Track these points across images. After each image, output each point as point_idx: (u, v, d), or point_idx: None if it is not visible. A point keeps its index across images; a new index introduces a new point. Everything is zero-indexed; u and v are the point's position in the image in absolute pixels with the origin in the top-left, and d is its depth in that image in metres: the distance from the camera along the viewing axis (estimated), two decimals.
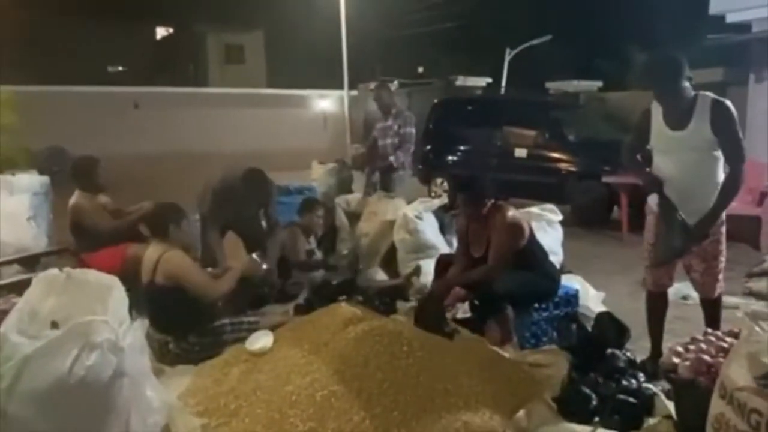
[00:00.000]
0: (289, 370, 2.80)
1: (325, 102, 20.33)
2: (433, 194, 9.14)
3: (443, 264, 3.82)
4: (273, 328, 3.29)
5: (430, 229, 4.90)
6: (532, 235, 3.60)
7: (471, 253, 3.62)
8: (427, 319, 3.39)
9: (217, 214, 4.32)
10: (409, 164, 5.92)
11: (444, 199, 5.26)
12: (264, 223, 4.45)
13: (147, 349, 2.50)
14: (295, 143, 16.10)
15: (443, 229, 5.05)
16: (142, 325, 2.36)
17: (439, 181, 9.66)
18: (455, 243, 4.94)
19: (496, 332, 3.41)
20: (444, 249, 4.80)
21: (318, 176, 6.14)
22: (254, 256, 3.59)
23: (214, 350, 3.24)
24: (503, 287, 3.33)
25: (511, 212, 3.48)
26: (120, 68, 27.64)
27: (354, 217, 5.39)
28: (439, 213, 5.09)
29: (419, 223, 4.84)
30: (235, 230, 4.58)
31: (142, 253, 3.47)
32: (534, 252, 3.58)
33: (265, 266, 3.52)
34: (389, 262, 4.95)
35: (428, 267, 4.42)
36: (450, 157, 9.74)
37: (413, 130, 5.87)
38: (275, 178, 4.67)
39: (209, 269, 3.71)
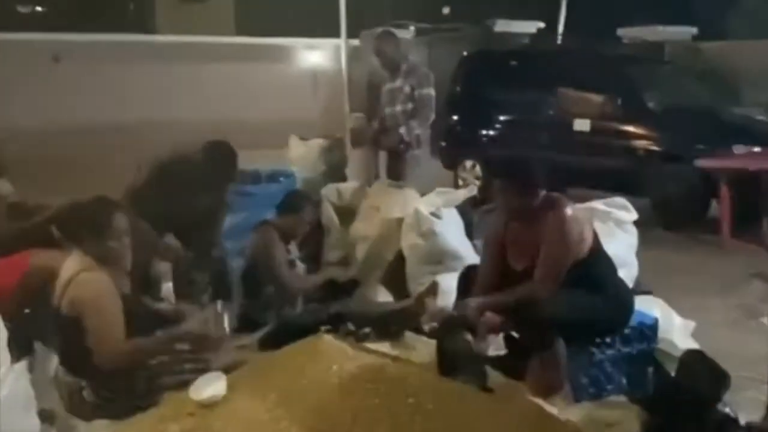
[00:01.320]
0: (248, 428, 2.79)
1: (315, 55, 20.19)
2: (461, 182, 9.08)
3: (473, 280, 3.79)
4: (227, 370, 3.23)
5: (452, 232, 4.91)
6: (597, 241, 3.59)
7: (510, 264, 3.61)
8: (452, 357, 3.37)
9: (158, 211, 4.27)
10: (427, 140, 5.88)
11: (473, 190, 5.18)
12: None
13: (34, 403, 2.42)
14: (273, 111, 15.91)
15: (470, 232, 5.07)
16: (26, 369, 2.27)
17: (468, 164, 9.58)
18: None
19: (540, 377, 3.41)
20: (472, 259, 4.75)
21: (298, 157, 6.13)
22: (218, 307, 3.52)
23: (146, 400, 3.20)
24: (555, 313, 3.30)
25: (571, 210, 3.47)
26: (35, 8, 27.76)
27: (347, 213, 5.41)
28: (466, 209, 5.10)
29: (437, 224, 4.84)
30: (179, 234, 4.57)
31: (53, 264, 3.45)
32: (599, 265, 3.57)
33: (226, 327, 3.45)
34: (395, 276, 4.99)
35: (449, 284, 4.40)
36: (484, 132, 9.68)
37: (433, 93, 5.83)
38: (241, 159, 4.77)
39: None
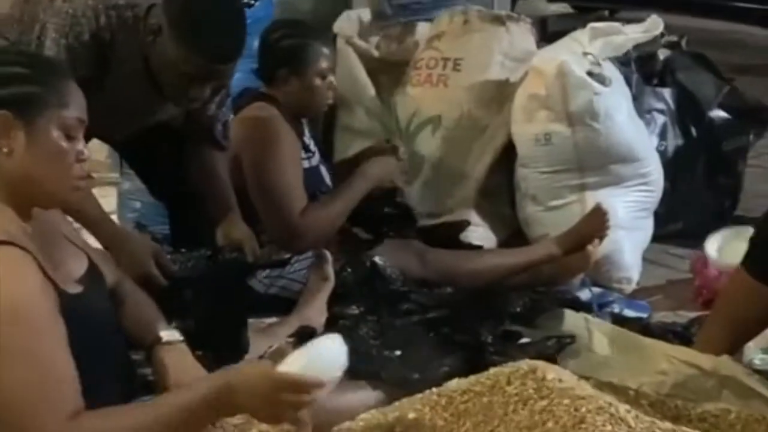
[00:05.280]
0: None
1: None
2: None
3: None
4: None
5: (623, 109, 3.63)
6: None
7: None
8: None
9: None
10: None
11: (653, 24, 3.77)
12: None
13: None
14: None
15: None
16: None
17: None
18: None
19: None
20: (653, 160, 3.65)
21: None
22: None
23: None
24: None
25: None
26: None
27: (389, 72, 4.16)
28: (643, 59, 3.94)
29: (604, 95, 3.50)
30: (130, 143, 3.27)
31: None
32: None
33: None
34: (497, 195, 3.91)
35: (615, 207, 3.41)
36: None
37: None
38: None
39: None
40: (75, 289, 1.85)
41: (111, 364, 1.97)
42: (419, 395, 2.25)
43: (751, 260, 2.56)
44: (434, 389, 2.25)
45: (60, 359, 1.72)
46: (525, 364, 2.22)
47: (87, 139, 3.01)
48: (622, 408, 2.15)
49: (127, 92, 2.74)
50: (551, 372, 2.18)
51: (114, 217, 3.67)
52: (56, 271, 1.80)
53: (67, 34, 2.66)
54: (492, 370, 2.26)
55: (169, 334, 2.13)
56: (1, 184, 1.78)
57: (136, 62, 2.71)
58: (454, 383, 2.27)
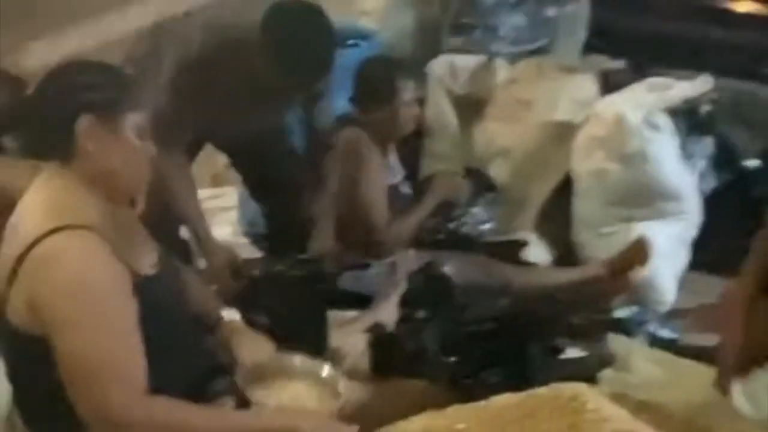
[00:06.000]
0: None
1: None
2: None
3: None
4: None
5: (669, 155, 3.83)
6: None
7: None
8: None
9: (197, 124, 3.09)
10: None
11: (703, 83, 3.97)
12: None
13: None
14: None
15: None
16: None
17: None
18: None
19: None
20: (693, 200, 3.82)
21: (375, 6, 4.83)
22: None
23: None
24: None
25: None
26: None
27: (471, 108, 4.32)
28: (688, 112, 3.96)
29: (653, 141, 3.70)
30: (231, 150, 3.53)
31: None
32: None
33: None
34: (554, 220, 4.04)
35: (658, 240, 3.53)
36: None
37: None
38: None
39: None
40: (149, 272, 1.91)
41: (182, 346, 1.99)
42: (469, 405, 2.22)
43: None
44: (482, 402, 2.22)
45: (133, 337, 1.77)
46: (568, 389, 2.15)
47: (200, 144, 3.31)
48: None
49: (231, 105, 2.96)
50: (592, 401, 2.10)
51: (233, 214, 3.97)
52: (133, 256, 1.86)
53: (177, 52, 2.91)
54: (536, 392, 2.21)
55: (229, 314, 2.24)
56: (87, 178, 1.86)
57: (239, 78, 2.91)
58: (503, 399, 2.23)
